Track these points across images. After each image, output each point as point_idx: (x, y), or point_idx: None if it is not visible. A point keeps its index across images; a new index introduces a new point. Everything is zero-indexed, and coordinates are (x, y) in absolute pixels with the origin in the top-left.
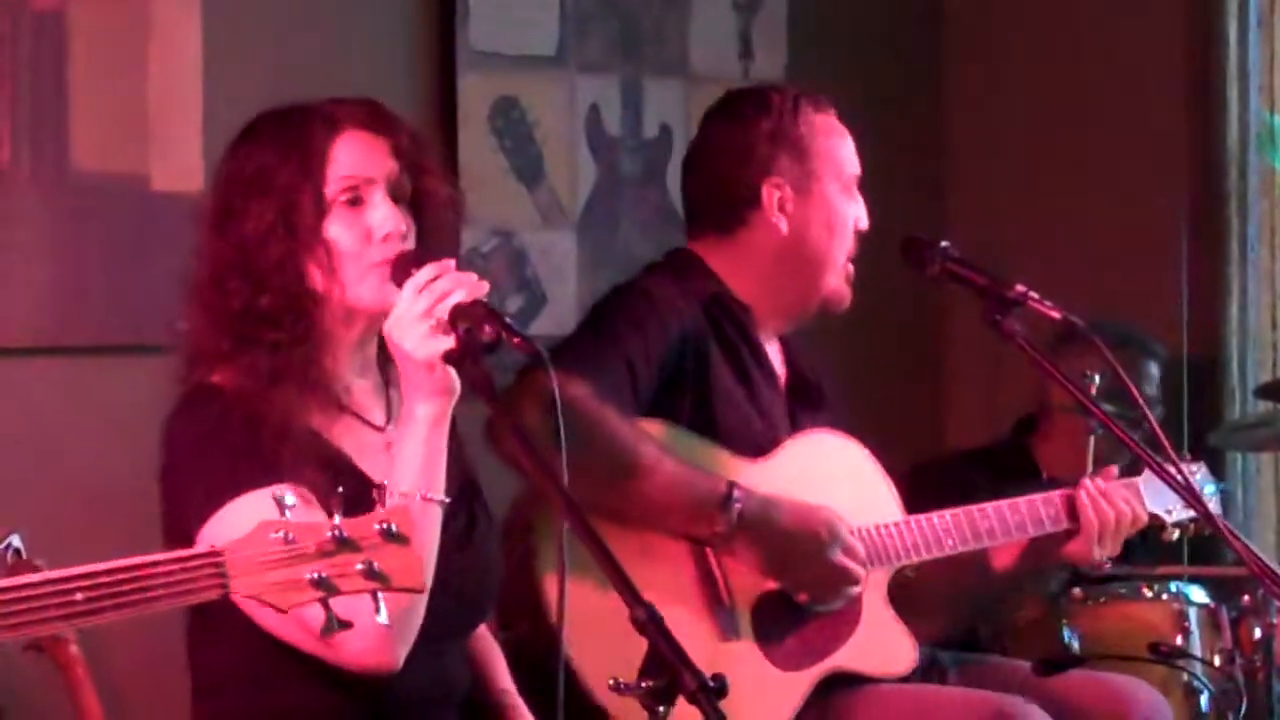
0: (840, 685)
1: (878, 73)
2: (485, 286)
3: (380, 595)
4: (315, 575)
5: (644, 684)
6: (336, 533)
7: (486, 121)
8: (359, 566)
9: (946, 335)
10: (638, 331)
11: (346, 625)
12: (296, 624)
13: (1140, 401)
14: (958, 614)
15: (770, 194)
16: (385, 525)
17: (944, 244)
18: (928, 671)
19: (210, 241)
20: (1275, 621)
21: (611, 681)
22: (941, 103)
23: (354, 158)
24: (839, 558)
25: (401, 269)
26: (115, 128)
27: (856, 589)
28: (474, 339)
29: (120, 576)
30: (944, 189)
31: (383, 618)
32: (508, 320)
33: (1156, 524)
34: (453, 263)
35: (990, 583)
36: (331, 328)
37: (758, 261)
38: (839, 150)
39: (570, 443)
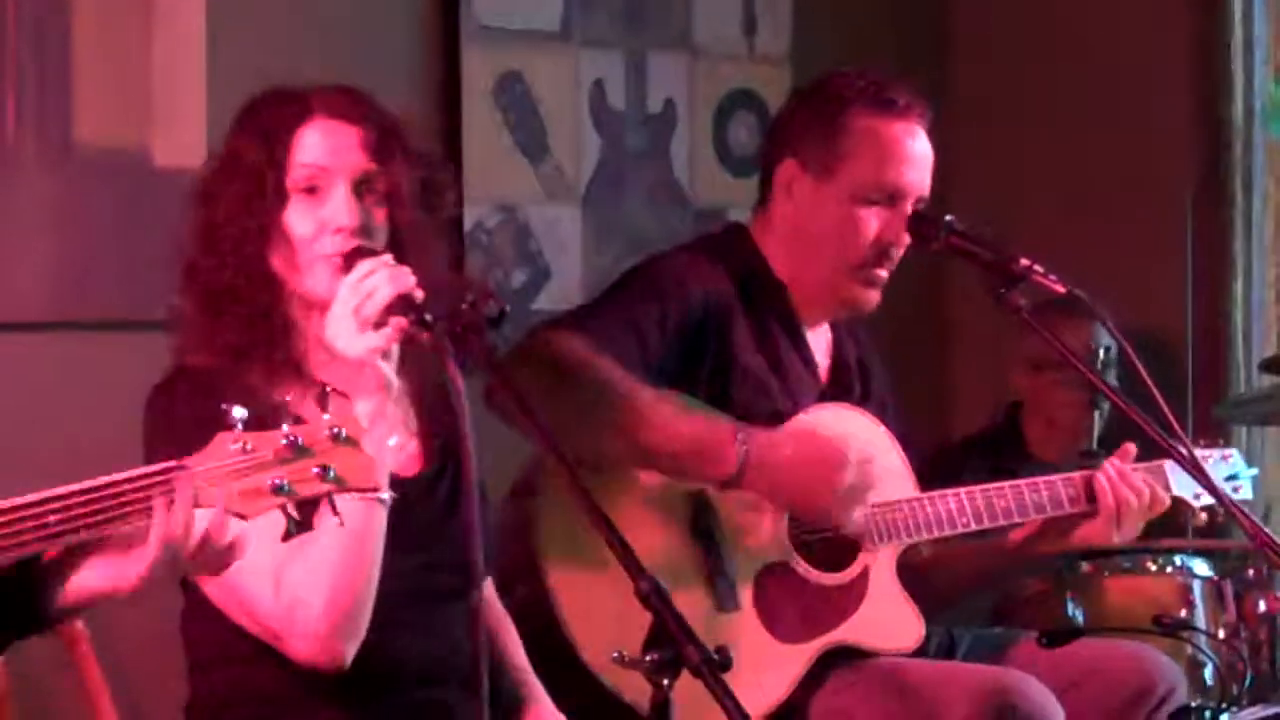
0: (842, 658)
1: (881, 46)
2: (411, 280)
3: (335, 501)
4: (275, 482)
5: (648, 657)
6: (291, 439)
7: (490, 96)
8: (315, 470)
9: (951, 314)
10: (654, 300)
11: (307, 527)
12: (240, 609)
13: (1144, 375)
14: (969, 591)
15: (783, 172)
16: (335, 430)
17: (948, 218)
18: (940, 647)
19: (189, 220)
20: None
21: (615, 655)
22: (945, 76)
23: (317, 147)
24: (854, 475)
25: (349, 265)
26: (118, 102)
27: (862, 509)
28: (477, 313)
29: (91, 496)
30: (948, 163)
31: (339, 521)
32: (427, 318)
33: (1184, 509)
34: (388, 258)
35: (1004, 561)
36: (294, 311)
37: (780, 239)
38: (880, 157)
39: (566, 394)
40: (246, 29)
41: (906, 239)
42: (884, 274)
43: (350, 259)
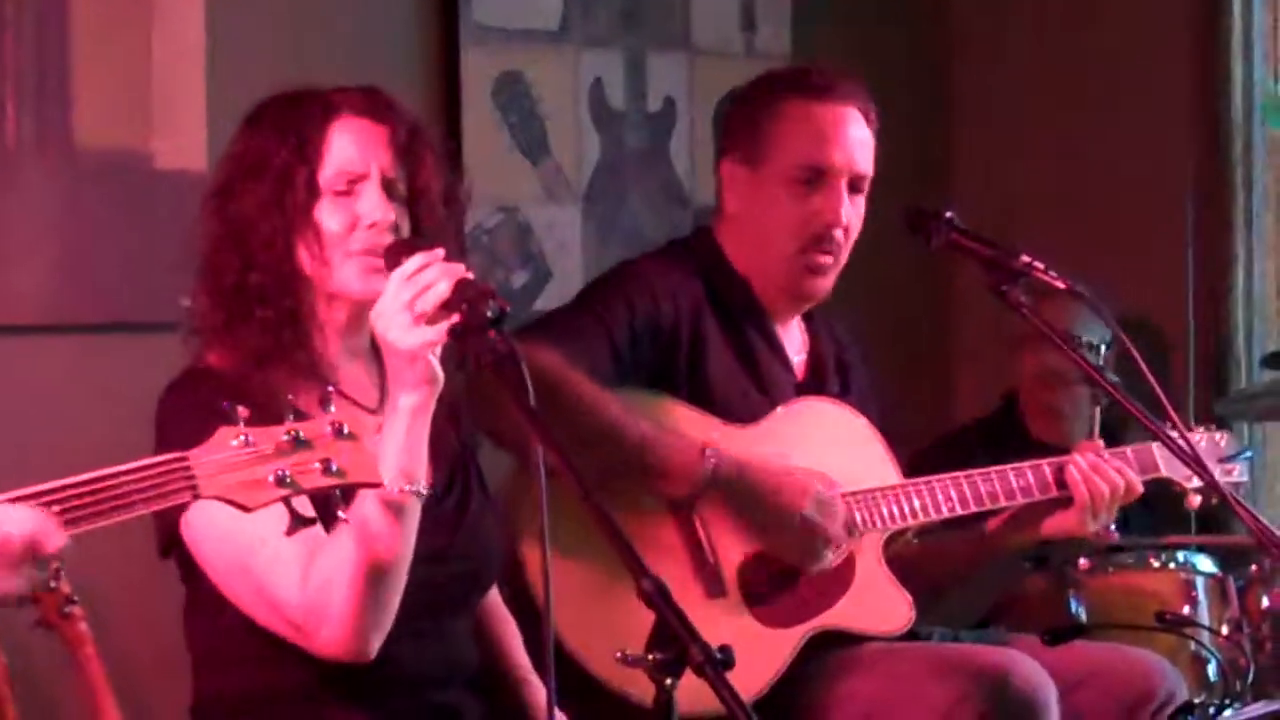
0: (834, 644)
1: (881, 43)
2: (470, 276)
3: (344, 497)
4: (277, 474)
5: (651, 656)
6: (293, 434)
7: (490, 97)
8: (317, 464)
9: (953, 307)
10: (624, 304)
11: (310, 521)
12: (263, 600)
13: (1143, 366)
14: (952, 586)
15: (726, 170)
16: (337, 425)
17: (948, 214)
18: None
19: (208, 220)
20: None
21: (619, 654)
22: (946, 73)
23: (349, 147)
24: (814, 519)
25: (393, 259)
26: (118, 105)
27: (832, 554)
28: (477, 314)
29: (93, 487)
30: (948, 160)
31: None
32: (490, 311)
33: (1176, 490)
34: (441, 252)
35: (983, 553)
36: (319, 311)
37: (734, 236)
38: (805, 137)
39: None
40: (246, 31)
41: (844, 220)
42: (826, 259)
43: (393, 253)
